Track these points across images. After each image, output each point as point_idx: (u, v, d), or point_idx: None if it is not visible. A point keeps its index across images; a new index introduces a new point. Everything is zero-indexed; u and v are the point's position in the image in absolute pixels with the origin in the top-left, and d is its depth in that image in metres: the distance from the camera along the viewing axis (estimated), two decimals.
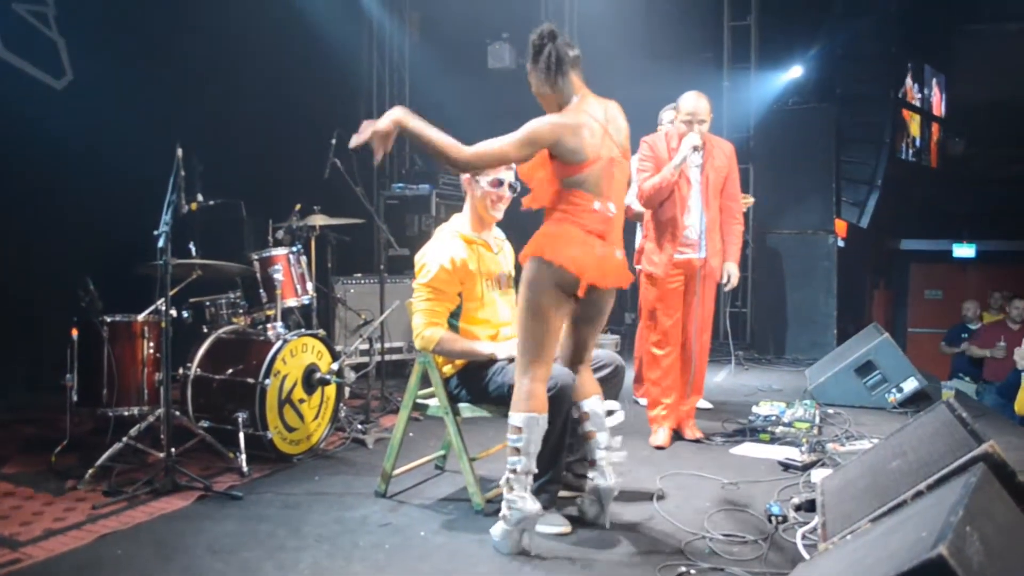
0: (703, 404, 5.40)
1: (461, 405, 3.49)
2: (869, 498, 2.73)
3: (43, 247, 5.57)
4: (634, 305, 5.95)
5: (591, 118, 3.00)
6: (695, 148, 4.34)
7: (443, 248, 3.48)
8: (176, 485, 3.60)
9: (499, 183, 3.51)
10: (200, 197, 4.01)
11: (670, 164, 4.37)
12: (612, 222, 3.06)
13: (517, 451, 2.96)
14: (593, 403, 3.20)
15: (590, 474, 3.20)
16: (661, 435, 4.51)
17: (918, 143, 11.26)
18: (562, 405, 3.10)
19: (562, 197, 3.01)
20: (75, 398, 4.07)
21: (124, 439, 3.85)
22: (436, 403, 3.53)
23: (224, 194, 4.46)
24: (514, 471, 2.96)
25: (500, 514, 3.00)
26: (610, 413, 3.25)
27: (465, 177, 3.55)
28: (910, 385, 5.38)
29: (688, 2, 8.92)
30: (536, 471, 3.01)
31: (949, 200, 12.28)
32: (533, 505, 2.94)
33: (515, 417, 2.97)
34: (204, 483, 3.62)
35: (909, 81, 10.65)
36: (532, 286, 2.98)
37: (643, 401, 5.37)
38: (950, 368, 9.23)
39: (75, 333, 4.08)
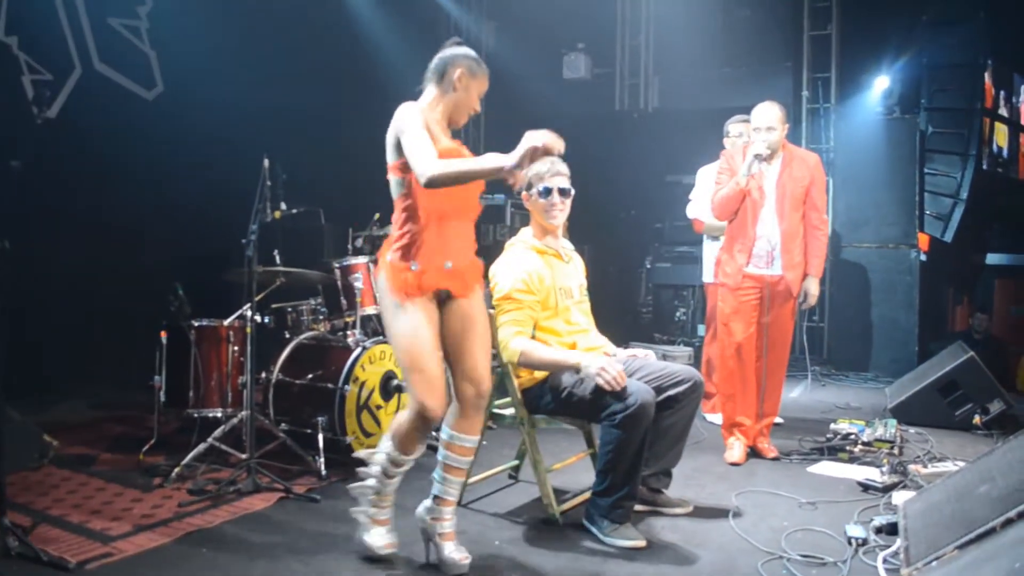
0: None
1: (537, 416, 3.49)
2: (955, 524, 2.67)
3: (136, 253, 5.82)
4: (703, 316, 5.88)
5: None
6: (757, 156, 4.30)
7: (517, 261, 3.43)
8: (258, 486, 3.70)
9: (547, 192, 3.44)
10: (283, 205, 4.10)
11: (738, 174, 4.35)
12: None
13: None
14: None
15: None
16: (736, 451, 4.45)
17: (1005, 154, 10.85)
18: (643, 421, 3.09)
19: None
20: (163, 399, 4.24)
21: (208, 440, 3.97)
22: (512, 412, 3.55)
23: (304, 202, 4.54)
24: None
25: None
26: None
27: (523, 193, 3.48)
28: (996, 406, 5.20)
29: (766, 10, 8.78)
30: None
31: None
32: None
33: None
34: (285, 485, 3.71)
35: (996, 91, 10.28)
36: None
37: (711, 417, 5.32)
38: None
39: (164, 336, 4.25)
